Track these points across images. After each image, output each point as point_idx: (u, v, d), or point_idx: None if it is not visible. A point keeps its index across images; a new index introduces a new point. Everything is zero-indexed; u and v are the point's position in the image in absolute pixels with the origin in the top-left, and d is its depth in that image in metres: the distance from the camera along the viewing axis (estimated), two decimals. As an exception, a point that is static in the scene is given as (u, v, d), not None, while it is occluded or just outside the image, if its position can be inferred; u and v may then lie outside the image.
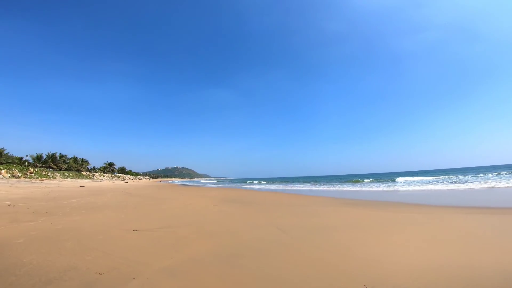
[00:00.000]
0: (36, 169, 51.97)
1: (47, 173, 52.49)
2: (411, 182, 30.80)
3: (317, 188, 28.38)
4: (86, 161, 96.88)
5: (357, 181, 39.19)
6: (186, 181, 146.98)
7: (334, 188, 26.60)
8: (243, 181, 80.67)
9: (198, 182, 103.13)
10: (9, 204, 9.42)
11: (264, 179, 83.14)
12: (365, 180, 39.00)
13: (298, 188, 31.37)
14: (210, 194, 20.27)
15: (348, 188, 25.46)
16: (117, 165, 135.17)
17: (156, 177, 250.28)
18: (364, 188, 24.33)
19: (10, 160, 52.97)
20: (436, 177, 36.98)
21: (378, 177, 51.38)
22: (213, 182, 78.83)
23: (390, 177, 50.05)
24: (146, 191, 24.74)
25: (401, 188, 21.90)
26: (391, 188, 22.58)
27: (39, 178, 44.83)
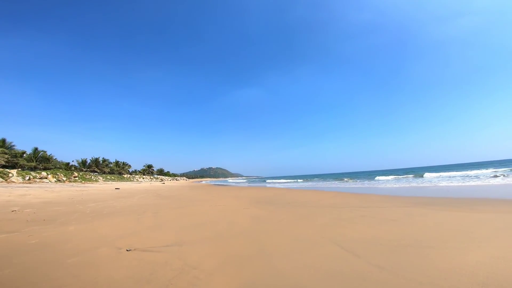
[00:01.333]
0: (81, 173, 55.34)
1: (91, 177, 55.56)
2: (444, 176, 26.24)
3: (358, 186, 24.99)
4: (127, 164, 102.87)
5: (398, 177, 34.53)
6: (219, 181, 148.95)
7: (380, 185, 22.97)
8: (274, 179, 78.27)
9: (226, 181, 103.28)
10: (13, 210, 8.31)
11: (295, 177, 79.90)
12: (399, 176, 34.25)
13: (336, 185, 28.15)
14: (242, 194, 18.35)
15: (395, 185, 21.70)
16: (156, 167, 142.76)
17: (192, 178, 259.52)
18: (416, 184, 20.55)
19: (58, 166, 56.91)
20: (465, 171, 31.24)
21: (406, 172, 45.80)
22: (244, 182, 77.65)
23: (414, 172, 44.24)
24: (178, 192, 23.71)
25: (453, 184, 17.93)
26: (444, 184, 18.68)
27: (83, 181, 47.41)
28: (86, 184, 40.26)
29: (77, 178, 47.80)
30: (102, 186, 32.64)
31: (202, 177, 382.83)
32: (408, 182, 23.42)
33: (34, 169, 50.05)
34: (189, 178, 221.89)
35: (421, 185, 19.99)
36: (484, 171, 31.49)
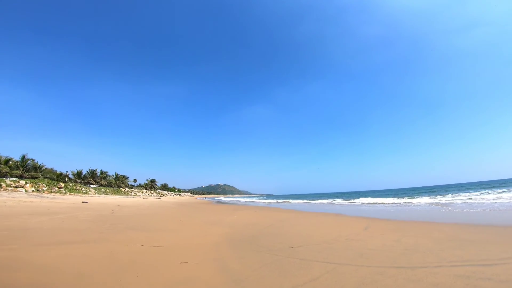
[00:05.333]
0: (71, 185, 51.16)
1: (81, 189, 51.18)
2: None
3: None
4: (126, 177, 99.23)
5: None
6: (223, 197, 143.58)
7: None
8: (282, 197, 71.65)
9: (222, 199, 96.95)
10: None
11: (305, 196, 72.99)
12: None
13: (361, 206, 22.14)
14: (229, 220, 12.91)
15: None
16: (163, 182, 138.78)
17: (199, 194, 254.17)
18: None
19: (48, 175, 52.89)
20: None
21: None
22: (247, 200, 71.38)
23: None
24: (150, 211, 18.51)
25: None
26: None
27: (69, 193, 42.94)
28: (65, 196, 35.57)
29: (62, 189, 43.34)
30: (73, 199, 27.74)
31: (209, 193, 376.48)
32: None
33: (20, 177, 46.17)
34: (196, 194, 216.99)
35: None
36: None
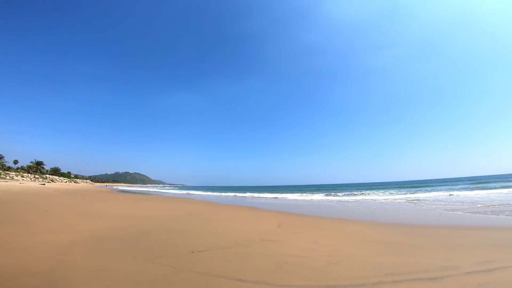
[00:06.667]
0: None
1: None
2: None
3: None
4: (1, 156, 79.75)
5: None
6: (130, 186, 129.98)
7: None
8: (201, 189, 69.16)
9: (128, 188, 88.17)
10: None
11: (229, 188, 72.58)
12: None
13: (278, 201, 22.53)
14: (120, 211, 10.43)
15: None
16: (58, 166, 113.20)
17: (102, 182, 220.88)
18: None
19: None
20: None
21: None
22: (159, 190, 65.74)
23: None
24: (26, 197, 13.76)
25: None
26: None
27: None
28: None
29: None
30: None
31: (115, 181, 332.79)
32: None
33: None
34: (98, 182, 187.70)
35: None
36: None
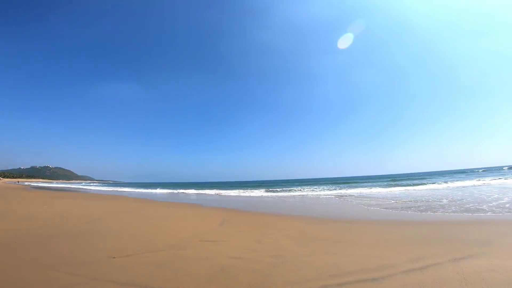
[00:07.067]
0: None
1: None
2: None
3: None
4: None
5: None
6: (59, 182, 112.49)
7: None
8: (137, 185, 63.33)
9: (45, 185, 76.35)
10: None
11: (172, 185, 67.95)
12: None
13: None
14: (28, 211, 8.68)
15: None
16: None
17: (14, 177, 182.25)
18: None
19: None
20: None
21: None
22: (86, 187, 57.88)
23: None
24: None
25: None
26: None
27: None
28: None
29: None
30: None
31: (30, 177, 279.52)
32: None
33: None
34: (7, 178, 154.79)
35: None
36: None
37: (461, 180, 27.22)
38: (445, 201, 11.70)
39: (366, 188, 25.65)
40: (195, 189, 35.86)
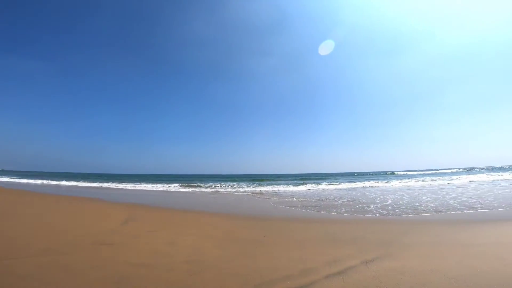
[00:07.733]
0: None
1: None
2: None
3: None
4: None
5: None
6: None
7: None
8: (22, 175, 50.16)
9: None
10: None
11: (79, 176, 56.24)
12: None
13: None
14: None
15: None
16: None
17: None
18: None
19: None
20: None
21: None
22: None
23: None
24: None
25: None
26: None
27: None
28: None
29: None
30: None
31: None
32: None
33: None
34: None
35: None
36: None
37: (352, 182, 32.22)
38: (341, 200, 12.72)
39: (280, 186, 26.77)
40: (92, 182, 30.95)
